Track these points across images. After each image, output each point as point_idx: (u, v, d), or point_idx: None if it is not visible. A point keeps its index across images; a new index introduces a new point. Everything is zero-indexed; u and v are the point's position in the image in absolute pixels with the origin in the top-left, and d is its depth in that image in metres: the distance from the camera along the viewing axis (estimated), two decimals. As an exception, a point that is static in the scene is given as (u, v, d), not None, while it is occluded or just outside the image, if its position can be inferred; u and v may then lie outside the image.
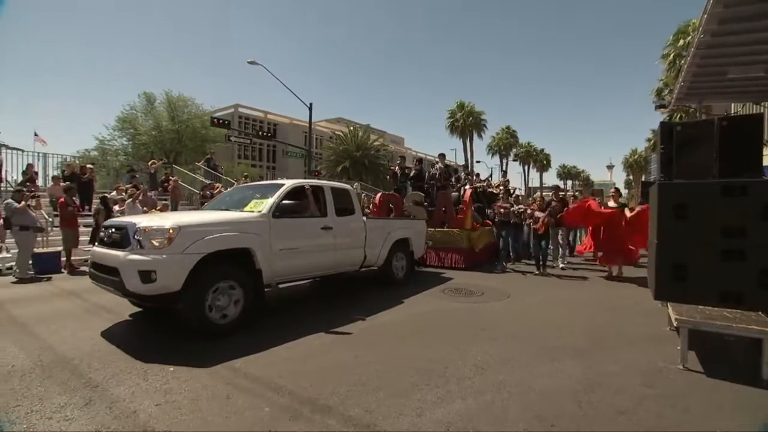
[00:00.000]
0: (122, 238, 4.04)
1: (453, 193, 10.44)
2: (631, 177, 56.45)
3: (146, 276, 3.67)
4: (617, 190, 8.98)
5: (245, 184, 6.68)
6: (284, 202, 4.85)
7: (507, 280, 7.54)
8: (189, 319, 3.93)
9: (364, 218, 6.17)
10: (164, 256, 3.73)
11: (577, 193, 16.58)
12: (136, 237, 3.87)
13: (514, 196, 9.94)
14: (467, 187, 10.75)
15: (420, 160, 11.88)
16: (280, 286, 5.19)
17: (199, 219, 4.29)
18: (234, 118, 38.07)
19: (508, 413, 2.60)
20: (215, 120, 19.21)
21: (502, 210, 8.85)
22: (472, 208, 9.78)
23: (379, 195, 10.47)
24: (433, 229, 8.88)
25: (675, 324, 3.44)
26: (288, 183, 5.28)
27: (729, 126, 4.10)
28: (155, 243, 3.77)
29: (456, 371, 3.26)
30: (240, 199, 5.35)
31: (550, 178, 72.26)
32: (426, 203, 9.90)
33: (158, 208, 10.09)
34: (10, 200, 8.16)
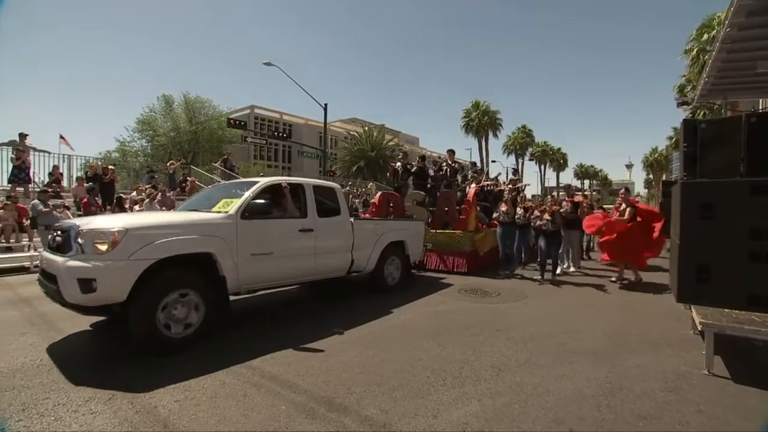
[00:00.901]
0: (64, 242, 3.57)
1: (458, 192, 9.91)
2: (651, 176, 55.11)
3: (86, 285, 3.22)
4: (627, 190, 7.75)
5: (223, 183, 5.98)
6: (255, 201, 4.35)
7: (512, 286, 6.93)
8: (136, 334, 3.46)
9: (352, 219, 5.66)
10: (107, 262, 3.28)
11: (593, 195, 16.36)
12: (77, 240, 3.41)
13: (523, 202, 8.97)
14: (473, 185, 10.03)
15: (423, 157, 11.13)
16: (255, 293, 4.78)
17: (154, 221, 3.88)
18: (250, 119, 38.65)
19: (526, 416, 2.56)
20: (231, 121, 19.54)
21: (502, 210, 8.01)
22: (478, 209, 9.25)
23: (378, 194, 9.99)
24: (434, 231, 8.51)
25: (699, 327, 3.34)
26: (262, 181, 4.81)
27: (758, 123, 3.95)
28: (98, 247, 3.33)
29: (472, 372, 3.24)
30: (212, 199, 4.82)
31: (567, 178, 71.10)
32: (429, 202, 9.46)
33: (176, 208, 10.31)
34: (36, 201, 8.47)
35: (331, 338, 4.06)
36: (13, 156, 10.50)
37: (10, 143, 11.15)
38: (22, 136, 11.00)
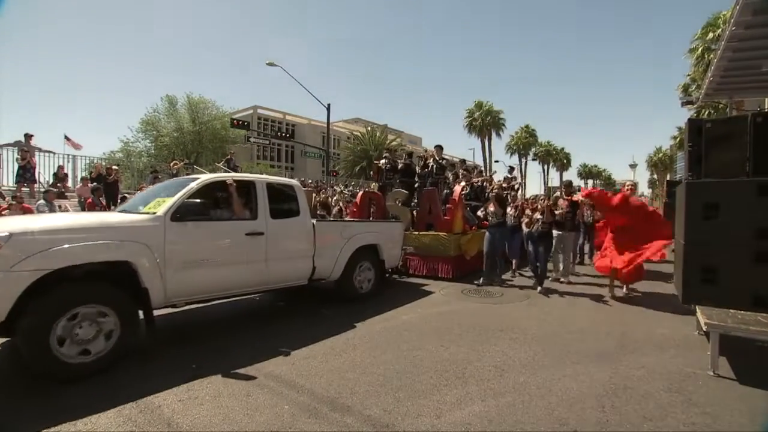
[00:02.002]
0: None
1: (447, 191, 9.21)
2: (655, 176, 54.82)
3: None
4: (634, 185, 7.03)
5: (171, 180, 5.54)
6: (190, 201, 3.86)
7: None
8: (27, 359, 2.90)
9: (314, 221, 5.02)
10: None
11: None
12: None
13: (515, 201, 7.85)
14: (462, 183, 9.19)
15: (410, 154, 10.32)
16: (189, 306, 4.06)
17: (57, 224, 3.26)
18: (253, 120, 38.75)
19: (529, 416, 2.56)
20: (235, 121, 19.61)
21: (489, 210, 7.01)
22: (467, 209, 8.46)
23: (360, 193, 9.38)
24: (417, 233, 7.72)
25: (705, 328, 3.31)
26: (201, 177, 4.32)
27: (764, 122, 3.92)
28: None
29: (475, 372, 3.23)
30: (148, 198, 4.23)
31: (571, 178, 70.74)
32: (414, 203, 8.81)
33: None
34: (42, 201, 8.53)
35: (334, 340, 4.07)
36: (19, 156, 10.58)
37: (16, 144, 11.24)
38: (28, 136, 11.08)
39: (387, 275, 7.07)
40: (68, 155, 14.01)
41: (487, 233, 7.06)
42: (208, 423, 2.45)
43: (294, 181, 5.35)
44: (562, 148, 58.84)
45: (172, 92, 29.91)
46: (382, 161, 9.86)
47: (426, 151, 9.62)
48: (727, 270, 3.54)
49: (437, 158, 9.15)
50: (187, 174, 15.88)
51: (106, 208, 9.97)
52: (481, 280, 6.82)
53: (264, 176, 5.21)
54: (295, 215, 4.85)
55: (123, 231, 3.41)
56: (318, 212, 8.99)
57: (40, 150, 12.11)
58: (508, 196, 8.35)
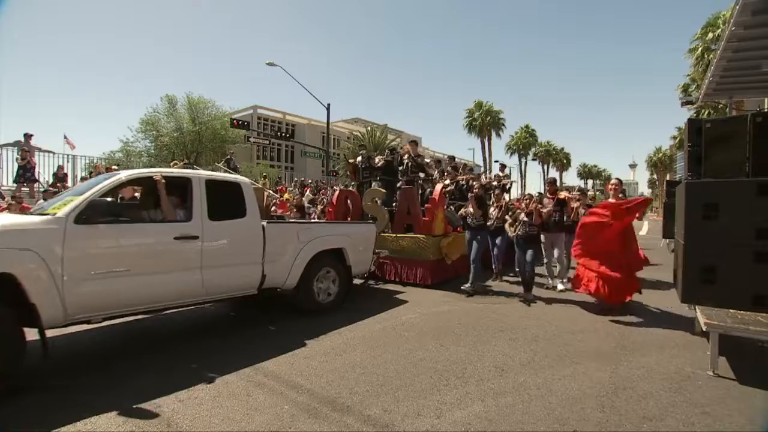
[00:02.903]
0: None
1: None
2: (655, 176, 54.86)
3: None
4: (619, 182, 5.70)
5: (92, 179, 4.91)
6: (101, 200, 3.41)
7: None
8: None
9: (264, 222, 4.45)
10: None
11: (597, 195, 12.31)
12: None
13: (499, 200, 6.80)
14: (446, 181, 8.64)
15: (392, 150, 9.57)
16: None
17: None
18: (253, 119, 38.72)
19: (529, 416, 2.56)
20: (234, 121, 19.59)
21: (468, 211, 6.46)
22: (449, 208, 7.87)
23: (337, 192, 8.82)
24: (394, 235, 7.11)
25: (704, 328, 3.31)
26: (121, 173, 3.78)
27: (764, 122, 3.92)
28: None
29: (475, 372, 3.23)
30: (63, 198, 3.68)
31: (571, 178, 70.89)
32: (395, 202, 8.12)
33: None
34: (42, 201, 8.52)
35: (334, 339, 4.06)
36: (18, 156, 10.57)
37: (16, 143, 11.23)
38: (27, 136, 11.07)
39: (363, 281, 6.68)
40: (68, 155, 14.01)
41: (466, 236, 6.61)
42: (208, 423, 2.45)
43: (241, 178, 4.72)
44: (562, 148, 58.96)
45: (172, 92, 29.99)
46: (358, 158, 9.13)
47: (401, 147, 8.78)
48: (727, 270, 3.54)
49: (412, 155, 8.38)
50: (187, 174, 15.88)
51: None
52: (467, 286, 6.15)
53: (204, 172, 4.64)
54: (240, 216, 4.27)
55: (6, 237, 2.84)
56: (293, 214, 8.45)
57: (39, 150, 12.10)
58: (492, 195, 7.59)
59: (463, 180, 8.86)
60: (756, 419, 2.56)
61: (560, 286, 6.54)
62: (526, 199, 6.14)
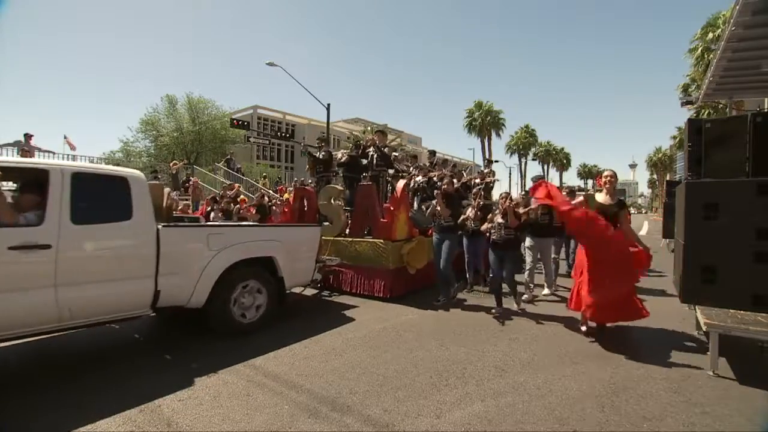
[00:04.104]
0: None
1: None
2: (655, 176, 54.88)
3: None
4: (613, 174, 4.35)
5: None
6: None
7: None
8: None
9: (159, 226, 3.62)
10: None
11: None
12: None
13: (477, 198, 5.99)
14: (419, 177, 7.66)
15: (357, 145, 8.54)
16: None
17: None
18: (253, 119, 38.71)
19: (529, 416, 2.56)
20: (234, 121, 19.57)
21: (436, 211, 5.65)
22: (419, 209, 7.04)
23: (293, 190, 8.01)
24: (350, 239, 6.23)
25: (704, 328, 3.31)
26: None
27: (764, 122, 3.93)
28: None
29: (475, 372, 3.23)
30: None
31: (571, 178, 70.90)
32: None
33: (179, 208, 10.34)
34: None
35: (334, 339, 4.06)
36: (19, 156, 10.57)
37: (16, 144, 11.23)
38: (27, 136, 11.07)
39: (317, 293, 6.15)
40: (68, 155, 14.02)
41: (434, 239, 5.76)
42: (208, 423, 2.45)
43: (130, 172, 3.74)
44: (562, 148, 59.03)
45: (172, 92, 30.04)
46: (321, 154, 8.07)
47: (368, 139, 7.90)
48: (727, 270, 3.54)
49: (379, 146, 7.34)
50: (187, 174, 15.93)
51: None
52: (439, 299, 5.51)
53: (71, 163, 3.83)
54: (123, 218, 3.44)
55: None
56: (251, 215, 7.73)
57: (39, 150, 12.09)
58: (469, 192, 6.85)
59: (436, 176, 7.69)
60: (756, 419, 2.56)
61: (545, 290, 6.06)
62: (502, 198, 5.22)
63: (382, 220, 6.05)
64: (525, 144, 51.21)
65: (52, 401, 2.70)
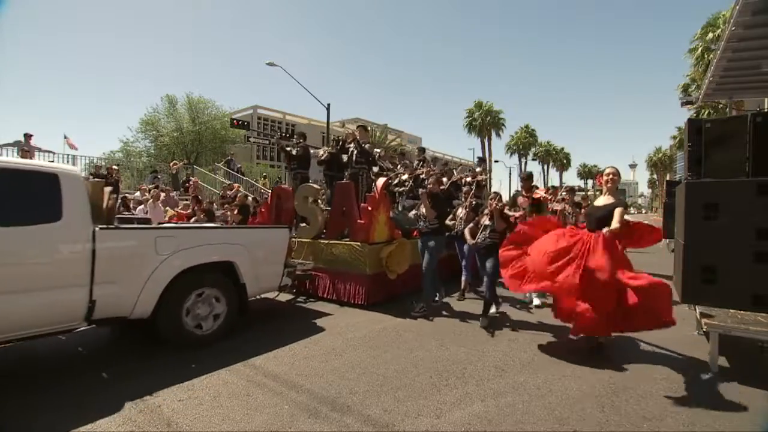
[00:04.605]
0: None
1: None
2: (655, 176, 54.89)
3: None
4: (616, 172, 3.81)
5: None
6: None
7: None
8: None
9: (96, 228, 3.22)
10: None
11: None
12: None
13: (467, 198, 5.68)
14: (404, 176, 7.24)
15: (337, 141, 7.80)
16: None
17: None
18: (253, 119, 38.70)
19: (529, 416, 2.56)
20: (234, 121, 19.59)
21: (421, 213, 5.23)
22: (401, 210, 6.53)
23: (273, 189, 7.62)
24: (326, 242, 5.81)
25: (704, 328, 3.31)
26: None
27: (764, 122, 3.93)
28: None
29: (475, 372, 3.23)
30: None
31: (571, 178, 70.92)
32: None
33: (179, 207, 10.34)
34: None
35: (334, 339, 4.06)
36: (19, 156, 10.57)
37: (16, 144, 11.23)
38: (27, 136, 11.08)
39: (292, 298, 5.80)
40: (68, 155, 14.02)
41: (419, 243, 5.38)
42: (208, 423, 2.45)
43: (62, 168, 3.42)
44: (562, 148, 59.02)
45: (172, 92, 30.07)
46: (296, 150, 7.56)
47: (348, 134, 7.31)
48: (727, 270, 3.54)
49: (360, 142, 6.84)
50: (187, 174, 15.92)
51: (107, 208, 9.96)
52: (419, 307, 5.02)
53: None
54: (51, 220, 3.04)
55: None
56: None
57: (39, 150, 12.10)
58: (460, 192, 6.48)
59: (423, 174, 7.21)
60: (756, 419, 2.56)
61: (536, 301, 5.49)
62: (491, 199, 4.77)
63: (359, 221, 5.66)
64: (525, 144, 51.19)
65: (52, 401, 2.70)
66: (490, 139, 42.65)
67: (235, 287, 4.12)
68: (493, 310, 4.81)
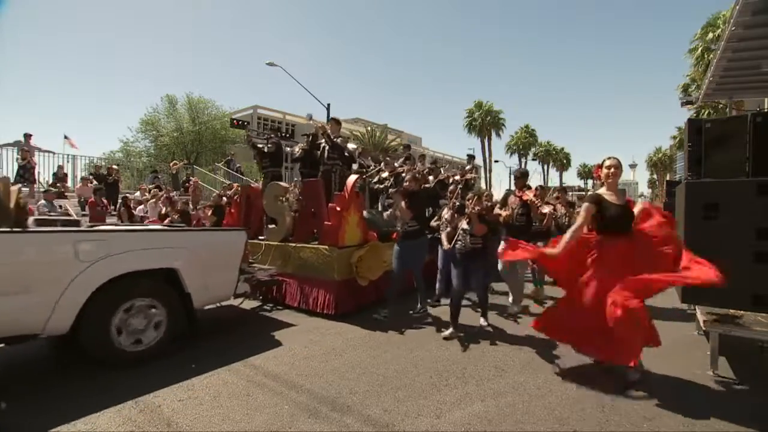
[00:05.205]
0: None
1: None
2: (655, 176, 54.90)
3: None
4: (618, 163, 3.25)
5: None
6: None
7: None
8: None
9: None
10: None
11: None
12: None
13: (453, 198, 5.03)
14: (385, 174, 6.77)
15: (309, 135, 7.05)
16: None
17: None
18: (253, 119, 38.67)
19: (529, 416, 2.56)
20: (234, 121, 19.62)
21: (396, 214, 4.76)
22: (377, 210, 6.11)
23: (242, 188, 7.22)
24: (294, 245, 5.32)
25: (704, 328, 3.31)
26: None
27: (764, 122, 3.93)
28: None
29: (475, 372, 3.23)
30: None
31: (571, 178, 70.90)
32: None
33: (178, 207, 10.34)
34: (42, 201, 8.54)
35: (334, 339, 4.06)
36: (19, 156, 10.58)
37: (16, 143, 11.24)
38: (27, 136, 11.08)
39: (261, 304, 5.39)
40: (68, 155, 14.01)
41: (395, 248, 4.85)
42: (208, 423, 2.45)
43: None
44: (562, 148, 58.96)
45: (172, 92, 30.10)
46: (267, 146, 7.06)
47: (317, 127, 6.58)
48: (726, 270, 3.54)
49: (331, 136, 6.28)
50: (187, 174, 15.91)
51: (108, 207, 9.99)
52: (383, 313, 4.70)
53: None
54: None
55: None
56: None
57: (39, 150, 12.10)
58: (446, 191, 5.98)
59: (404, 171, 6.65)
60: (756, 419, 2.56)
61: (515, 309, 5.05)
62: (469, 200, 4.26)
63: (326, 223, 5.11)
64: (525, 144, 51.16)
65: (52, 401, 2.70)
66: (490, 139, 42.66)
67: (179, 297, 3.66)
68: (482, 321, 4.44)
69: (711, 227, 3.61)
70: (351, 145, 7.17)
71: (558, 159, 58.84)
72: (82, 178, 11.78)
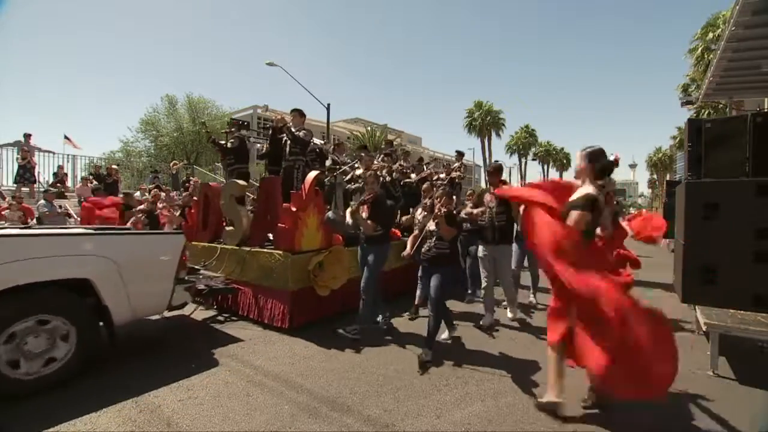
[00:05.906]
0: None
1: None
2: (655, 176, 54.88)
3: None
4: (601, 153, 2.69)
5: None
6: None
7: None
8: None
9: None
10: None
11: None
12: None
13: (427, 196, 4.84)
14: (360, 170, 6.11)
15: (274, 129, 6.36)
16: None
17: None
18: (253, 119, 38.69)
19: (529, 416, 2.56)
20: (234, 121, 19.62)
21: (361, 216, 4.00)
22: (339, 209, 5.31)
23: (202, 186, 6.57)
24: (248, 249, 4.76)
25: (704, 328, 3.31)
26: None
27: (764, 122, 3.93)
28: None
29: (475, 372, 3.23)
30: None
31: (571, 178, 70.83)
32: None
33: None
34: (42, 201, 8.54)
35: (334, 339, 4.06)
36: (19, 156, 10.58)
37: (16, 144, 11.24)
38: (27, 136, 11.09)
39: (216, 314, 4.86)
40: (68, 155, 14.01)
41: (358, 249, 4.26)
42: (208, 423, 2.45)
43: None
44: (562, 148, 58.99)
45: (172, 92, 30.10)
46: (231, 140, 6.61)
47: (277, 120, 5.97)
48: (727, 270, 3.54)
49: (292, 129, 5.73)
50: (187, 174, 15.91)
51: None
52: (349, 329, 4.07)
53: None
54: None
55: None
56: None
57: (39, 150, 12.11)
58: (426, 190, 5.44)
59: (384, 169, 6.21)
60: (756, 419, 2.56)
61: (509, 314, 4.78)
62: (437, 199, 3.88)
63: (279, 225, 4.55)
64: (525, 144, 51.18)
65: (52, 401, 2.70)
66: (490, 139, 42.66)
67: (94, 312, 3.14)
68: (445, 335, 3.96)
69: (711, 227, 3.61)
70: (317, 140, 6.61)
71: (558, 159, 58.85)
72: (82, 178, 11.78)
